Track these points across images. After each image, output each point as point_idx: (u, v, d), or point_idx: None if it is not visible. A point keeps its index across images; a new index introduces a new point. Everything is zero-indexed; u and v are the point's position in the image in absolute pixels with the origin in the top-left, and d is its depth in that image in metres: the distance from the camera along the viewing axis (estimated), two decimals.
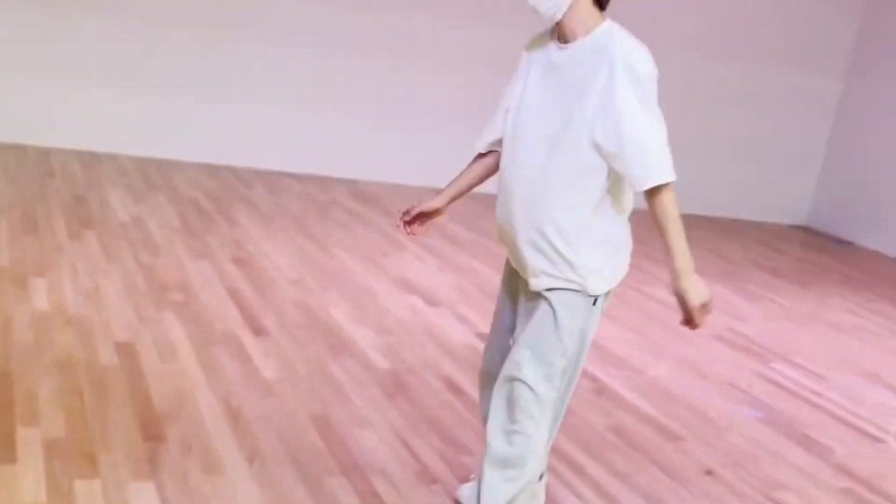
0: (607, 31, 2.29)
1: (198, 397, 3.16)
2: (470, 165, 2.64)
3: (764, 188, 8.43)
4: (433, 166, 7.61)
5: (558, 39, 2.34)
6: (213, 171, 6.69)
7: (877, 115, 8.07)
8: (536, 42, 2.43)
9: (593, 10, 2.30)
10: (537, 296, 2.41)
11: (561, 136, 2.31)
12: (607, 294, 2.44)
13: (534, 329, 2.41)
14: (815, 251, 7.73)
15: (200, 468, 2.72)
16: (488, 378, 2.60)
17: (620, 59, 2.23)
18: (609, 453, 3.28)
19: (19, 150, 6.21)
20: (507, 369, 2.44)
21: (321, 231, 5.63)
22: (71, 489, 2.50)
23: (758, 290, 5.97)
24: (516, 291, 2.53)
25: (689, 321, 2.30)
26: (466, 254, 5.67)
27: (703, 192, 8.01)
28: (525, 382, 2.39)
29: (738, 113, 8.16)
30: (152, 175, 6.26)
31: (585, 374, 3.75)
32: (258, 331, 3.86)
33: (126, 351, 3.42)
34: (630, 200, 2.44)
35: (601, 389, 3.82)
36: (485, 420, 2.58)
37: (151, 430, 2.88)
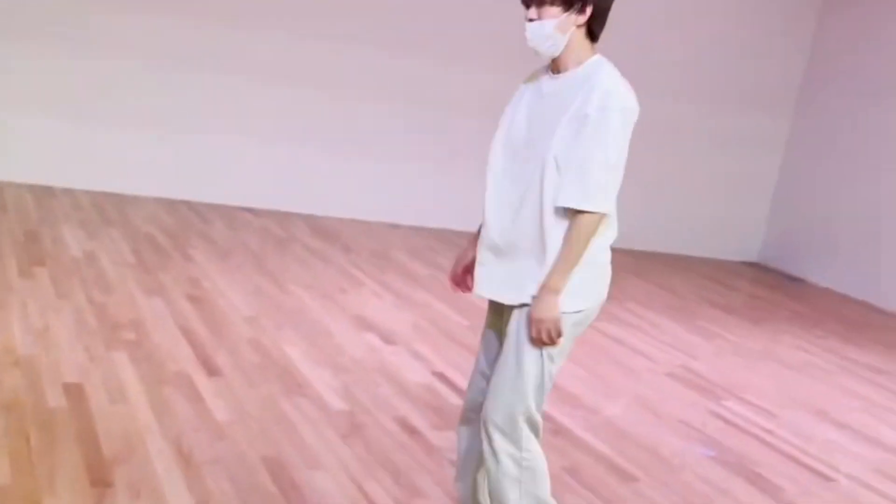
0: (597, 62, 2.43)
1: (148, 440, 3.12)
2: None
3: (715, 225, 8.56)
4: (393, 201, 7.71)
5: (551, 71, 2.47)
6: (170, 205, 6.64)
7: (824, 153, 8.27)
8: (532, 76, 2.56)
9: (586, 44, 2.43)
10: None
11: (534, 156, 2.38)
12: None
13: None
14: (767, 287, 7.86)
15: None
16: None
17: (600, 88, 2.35)
18: (565, 495, 3.28)
19: None
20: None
21: (279, 267, 5.61)
22: None
23: (709, 327, 6.05)
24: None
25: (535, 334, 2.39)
26: (422, 289, 5.69)
27: (654, 228, 8.13)
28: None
29: (689, 151, 8.31)
30: (108, 210, 6.20)
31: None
32: (211, 371, 3.82)
33: (75, 392, 3.37)
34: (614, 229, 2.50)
35: (557, 430, 3.84)
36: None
37: (99, 475, 2.83)
